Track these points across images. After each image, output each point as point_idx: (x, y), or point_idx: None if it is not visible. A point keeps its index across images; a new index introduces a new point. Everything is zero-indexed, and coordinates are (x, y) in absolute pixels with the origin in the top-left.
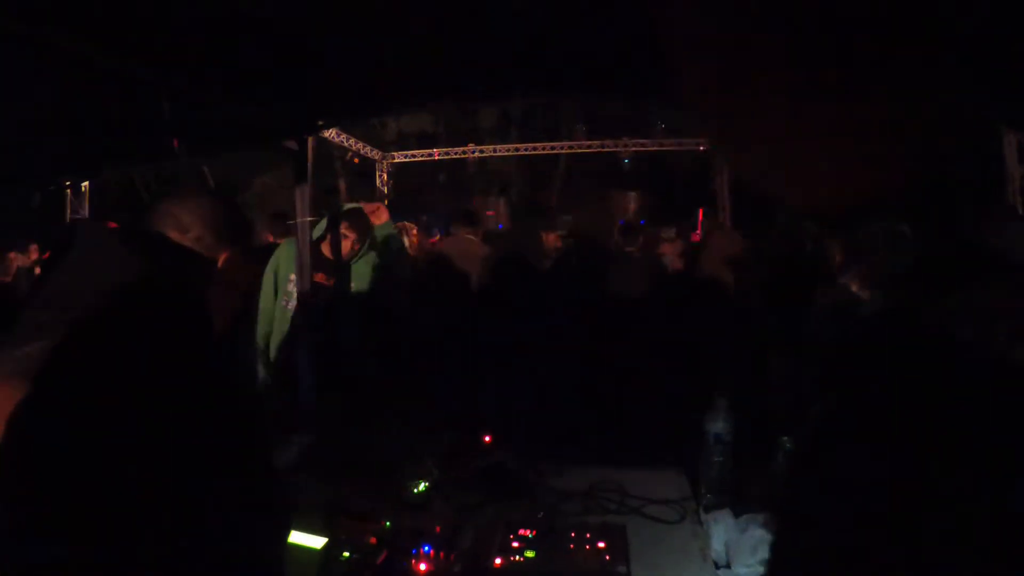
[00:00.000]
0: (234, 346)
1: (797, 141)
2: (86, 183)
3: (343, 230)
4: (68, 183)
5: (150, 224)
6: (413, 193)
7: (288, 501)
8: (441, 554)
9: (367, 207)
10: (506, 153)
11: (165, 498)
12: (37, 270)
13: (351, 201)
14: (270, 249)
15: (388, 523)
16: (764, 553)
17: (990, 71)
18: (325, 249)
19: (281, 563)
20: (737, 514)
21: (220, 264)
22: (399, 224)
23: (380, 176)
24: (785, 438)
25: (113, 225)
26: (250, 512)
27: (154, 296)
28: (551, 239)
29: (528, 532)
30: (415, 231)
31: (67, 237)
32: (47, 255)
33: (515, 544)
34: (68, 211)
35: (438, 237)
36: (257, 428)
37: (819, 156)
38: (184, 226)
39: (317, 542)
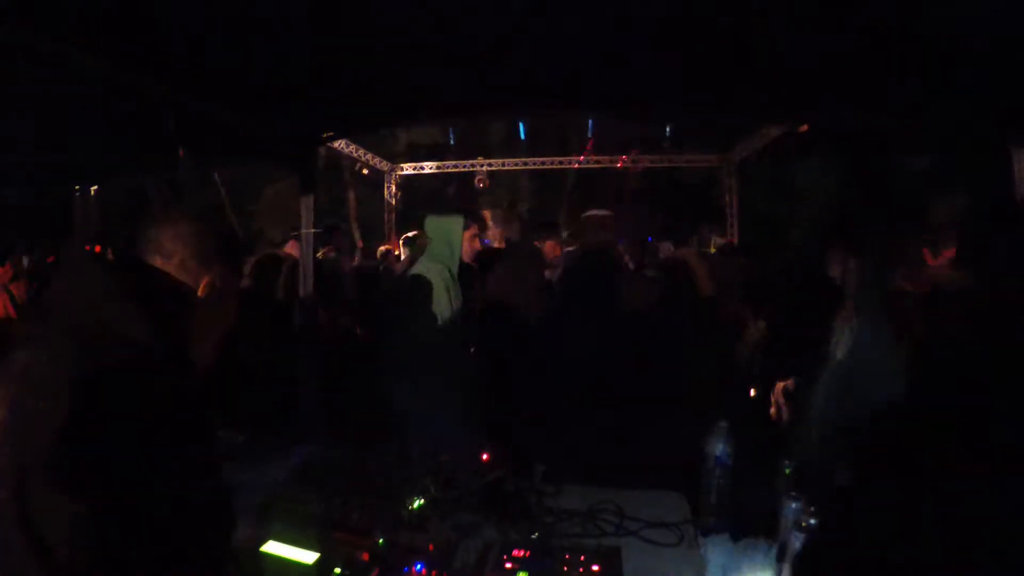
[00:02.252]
0: (221, 363)
1: None
2: (94, 189)
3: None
4: (77, 189)
5: (135, 250)
6: (422, 205)
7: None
8: (434, 573)
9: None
10: (515, 167)
11: (114, 499)
12: (21, 283)
13: (360, 212)
14: (271, 260)
15: (382, 540)
16: None
17: (1002, 94)
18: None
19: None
20: (736, 539)
21: (203, 288)
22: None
23: (388, 187)
24: (786, 462)
25: (97, 249)
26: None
27: (128, 316)
28: (548, 247)
29: (522, 553)
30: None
31: (58, 258)
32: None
33: (508, 565)
34: (77, 217)
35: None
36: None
37: None
38: (168, 252)
39: (309, 557)
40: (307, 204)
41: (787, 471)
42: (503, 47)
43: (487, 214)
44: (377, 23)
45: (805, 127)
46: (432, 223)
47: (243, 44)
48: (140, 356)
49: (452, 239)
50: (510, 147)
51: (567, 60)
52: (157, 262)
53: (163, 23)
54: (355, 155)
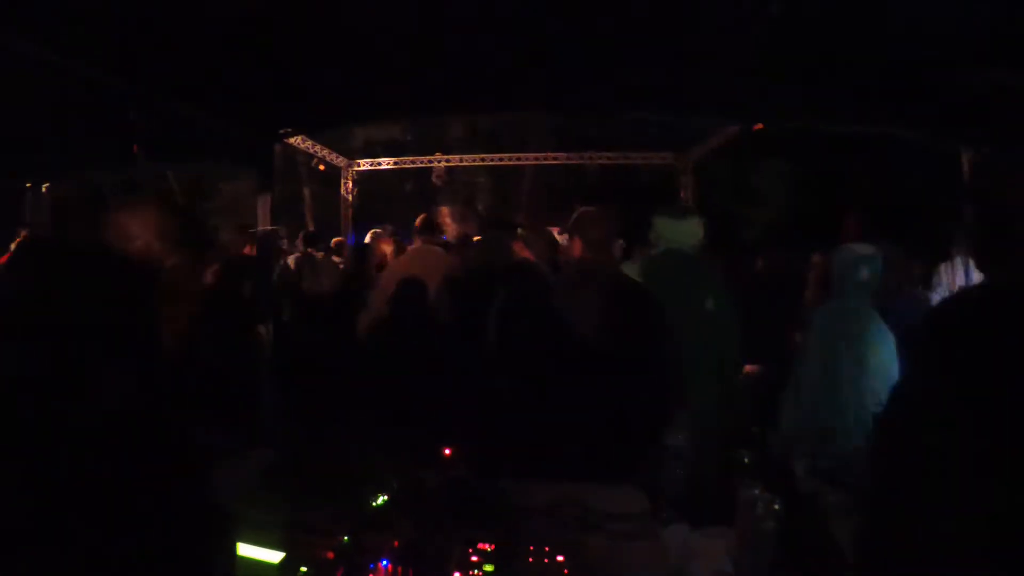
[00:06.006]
0: (189, 350)
1: None
2: (45, 185)
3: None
4: (28, 184)
5: (99, 234)
6: (379, 202)
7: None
8: (399, 569)
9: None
10: (472, 163)
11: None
12: None
13: (315, 209)
14: (239, 261)
15: (346, 538)
16: (723, 567)
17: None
18: None
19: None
20: (695, 527)
21: (167, 269)
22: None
23: (345, 184)
24: (742, 451)
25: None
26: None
27: (81, 296)
28: (518, 247)
29: (487, 547)
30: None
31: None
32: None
33: (474, 559)
34: (27, 213)
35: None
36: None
37: None
38: (130, 235)
39: (274, 557)
40: (264, 202)
41: (745, 459)
42: (461, 44)
43: (445, 211)
44: (335, 19)
45: (759, 126)
46: (665, 223)
47: (201, 40)
48: (94, 342)
49: (688, 240)
50: (468, 143)
51: (524, 58)
52: (118, 244)
53: (119, 17)
54: (311, 151)
